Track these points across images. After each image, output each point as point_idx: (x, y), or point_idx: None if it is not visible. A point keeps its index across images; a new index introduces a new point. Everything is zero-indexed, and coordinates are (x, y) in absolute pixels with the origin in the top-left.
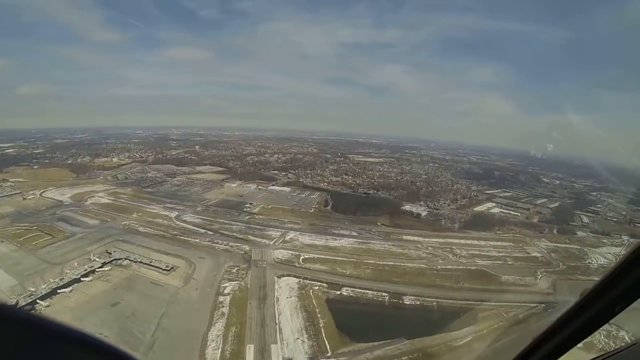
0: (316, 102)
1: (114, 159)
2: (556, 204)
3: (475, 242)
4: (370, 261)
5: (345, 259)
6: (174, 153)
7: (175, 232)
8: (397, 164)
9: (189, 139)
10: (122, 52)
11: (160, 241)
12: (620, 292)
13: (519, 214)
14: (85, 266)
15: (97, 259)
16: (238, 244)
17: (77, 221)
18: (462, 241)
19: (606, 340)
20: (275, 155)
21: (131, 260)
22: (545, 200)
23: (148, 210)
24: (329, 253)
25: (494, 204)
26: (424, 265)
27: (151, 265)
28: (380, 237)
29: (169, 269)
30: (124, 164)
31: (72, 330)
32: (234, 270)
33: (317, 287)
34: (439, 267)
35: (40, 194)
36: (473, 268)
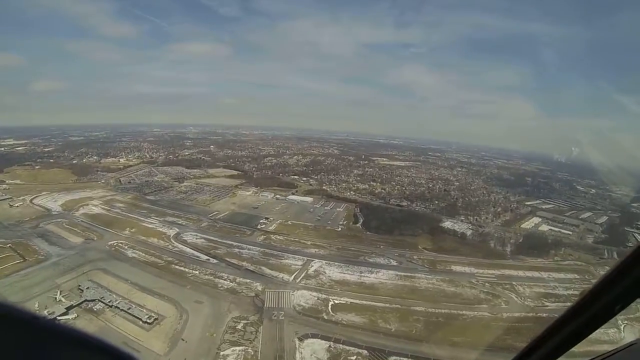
0: (335, 102)
1: (121, 160)
2: (604, 219)
3: (536, 273)
4: (419, 308)
5: (388, 305)
6: (186, 153)
7: (170, 259)
8: (424, 169)
9: (206, 137)
10: (141, 48)
11: (149, 272)
12: (621, 292)
13: (569, 232)
14: (46, 312)
15: (63, 299)
16: (248, 280)
17: (58, 238)
18: (521, 272)
19: None
20: (295, 157)
21: (105, 304)
22: (590, 214)
23: (144, 225)
24: (365, 295)
25: (539, 219)
26: (487, 313)
27: (129, 314)
28: (425, 267)
29: (151, 321)
30: (131, 165)
31: (72, 330)
32: (239, 326)
33: (354, 358)
34: (504, 314)
35: (31, 201)
36: (545, 315)
